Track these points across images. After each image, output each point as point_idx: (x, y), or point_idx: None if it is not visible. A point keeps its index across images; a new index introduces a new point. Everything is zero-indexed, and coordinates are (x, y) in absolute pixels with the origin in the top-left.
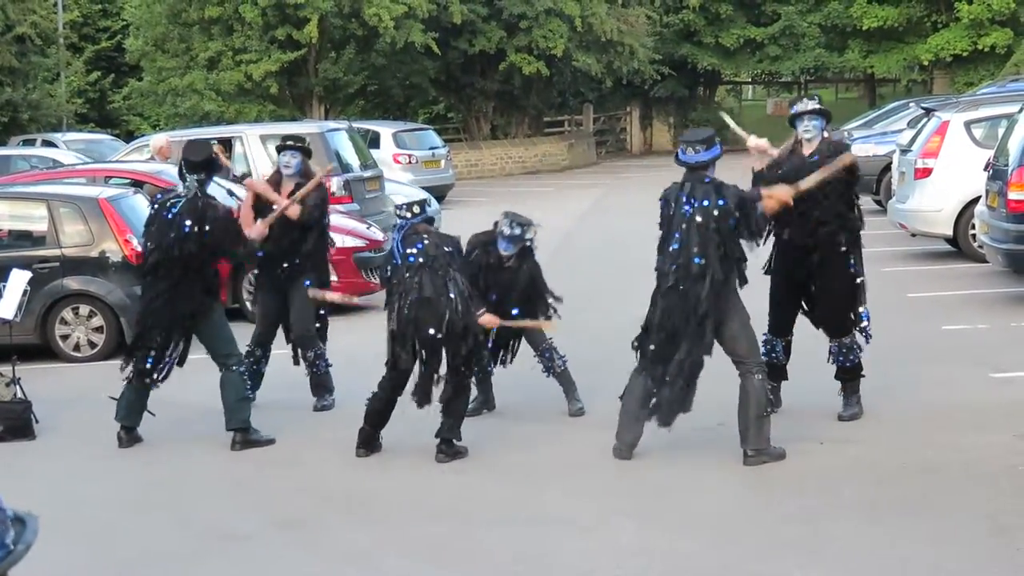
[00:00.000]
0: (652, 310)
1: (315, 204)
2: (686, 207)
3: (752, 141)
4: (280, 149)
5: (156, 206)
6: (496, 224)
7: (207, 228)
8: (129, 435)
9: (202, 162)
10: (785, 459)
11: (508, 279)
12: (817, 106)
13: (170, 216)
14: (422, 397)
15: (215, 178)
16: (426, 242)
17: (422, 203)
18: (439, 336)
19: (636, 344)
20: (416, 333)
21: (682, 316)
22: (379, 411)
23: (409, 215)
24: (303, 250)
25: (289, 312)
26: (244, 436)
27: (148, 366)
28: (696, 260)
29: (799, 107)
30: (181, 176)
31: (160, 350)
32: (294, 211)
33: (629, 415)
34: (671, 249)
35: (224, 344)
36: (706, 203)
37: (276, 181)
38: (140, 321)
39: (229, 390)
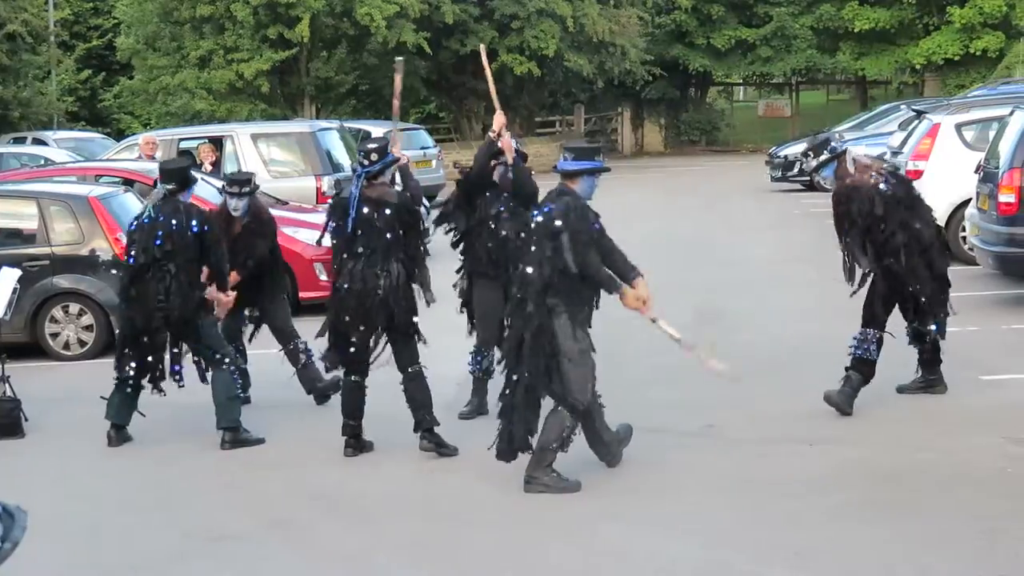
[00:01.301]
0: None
1: (260, 255)
2: (537, 215)
3: None
4: (227, 192)
5: (136, 220)
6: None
7: (202, 227)
8: (119, 434)
9: (174, 171)
10: (580, 491)
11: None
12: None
13: (150, 220)
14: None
15: (205, 177)
16: (365, 212)
17: (382, 149)
18: (361, 328)
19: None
20: (344, 320)
21: (518, 331)
22: (347, 400)
23: (367, 162)
24: (260, 277)
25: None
26: (234, 435)
27: (133, 373)
28: (528, 270)
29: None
30: (155, 185)
31: (147, 355)
32: (226, 303)
33: (593, 441)
34: (520, 261)
35: (213, 344)
36: (546, 209)
37: (227, 218)
38: (126, 326)
39: (219, 389)
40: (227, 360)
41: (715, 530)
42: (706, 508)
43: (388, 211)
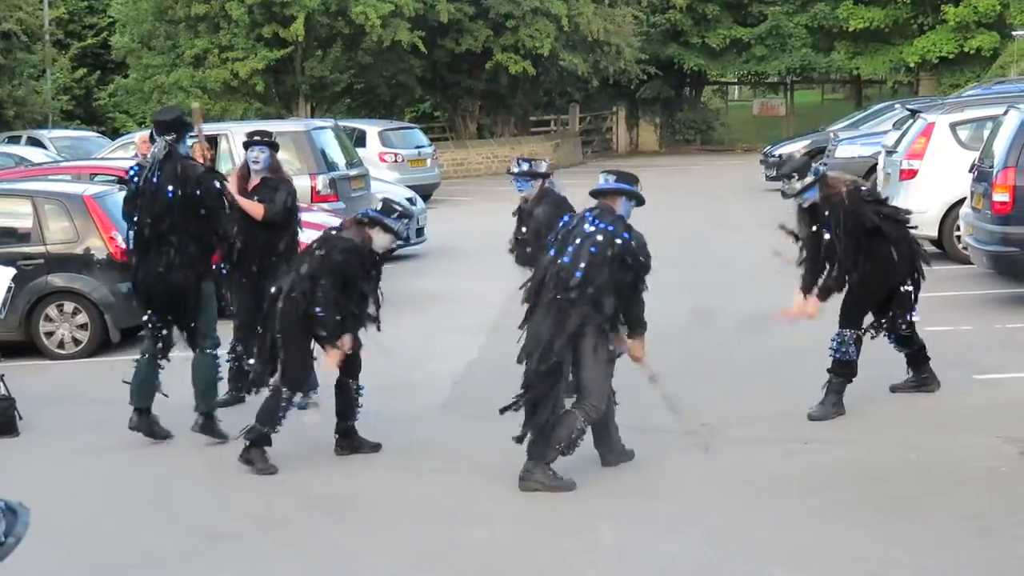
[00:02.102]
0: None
1: (283, 203)
2: (589, 226)
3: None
4: (247, 145)
5: (136, 179)
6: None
7: (195, 190)
8: (141, 417)
9: (171, 121)
10: (575, 490)
11: (526, 221)
12: (805, 183)
13: (153, 188)
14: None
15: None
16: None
17: (404, 214)
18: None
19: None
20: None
21: (549, 329)
22: (337, 400)
23: (376, 209)
24: (277, 249)
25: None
26: (208, 423)
27: (164, 337)
28: (577, 274)
29: (788, 190)
30: (152, 140)
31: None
32: (257, 210)
33: (599, 439)
34: (559, 261)
35: (206, 324)
36: (611, 228)
37: (245, 176)
38: (138, 299)
39: (199, 375)
40: (212, 345)
41: (711, 529)
42: (702, 507)
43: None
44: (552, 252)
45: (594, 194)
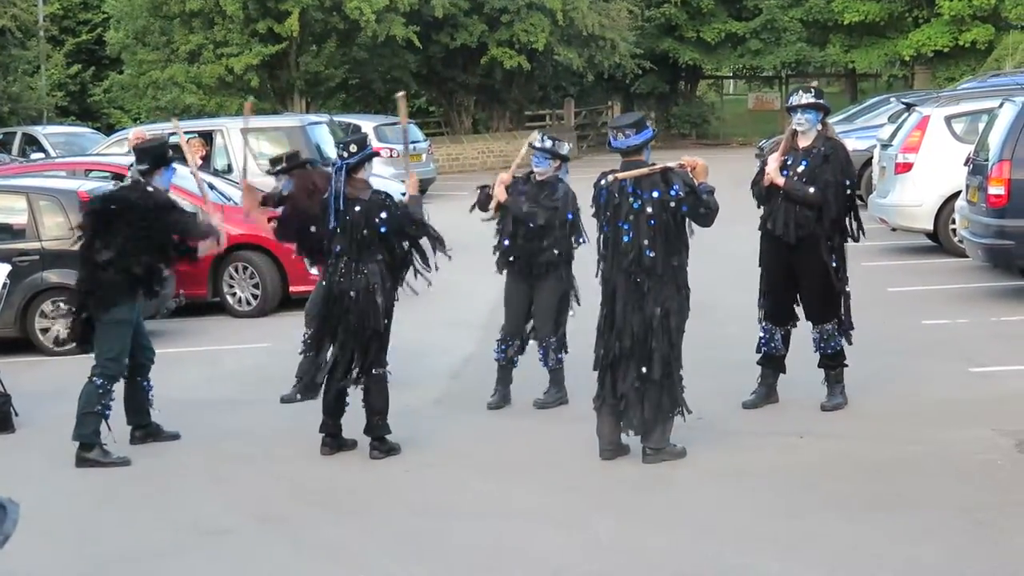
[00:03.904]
0: (607, 310)
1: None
2: (633, 200)
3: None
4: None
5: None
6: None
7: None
8: (143, 431)
9: (147, 149)
10: (685, 456)
11: (535, 194)
12: (812, 100)
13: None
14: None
15: (196, 172)
16: (357, 210)
17: (361, 140)
18: (346, 328)
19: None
20: (325, 320)
21: (640, 313)
22: (328, 400)
23: (346, 154)
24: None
25: None
26: (81, 453)
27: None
28: (648, 253)
29: (794, 99)
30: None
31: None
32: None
33: (604, 419)
34: (623, 242)
35: (103, 350)
36: (655, 194)
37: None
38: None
39: (81, 399)
40: (100, 374)
41: (706, 522)
42: (697, 500)
43: (358, 208)
44: (606, 230)
45: (621, 152)
